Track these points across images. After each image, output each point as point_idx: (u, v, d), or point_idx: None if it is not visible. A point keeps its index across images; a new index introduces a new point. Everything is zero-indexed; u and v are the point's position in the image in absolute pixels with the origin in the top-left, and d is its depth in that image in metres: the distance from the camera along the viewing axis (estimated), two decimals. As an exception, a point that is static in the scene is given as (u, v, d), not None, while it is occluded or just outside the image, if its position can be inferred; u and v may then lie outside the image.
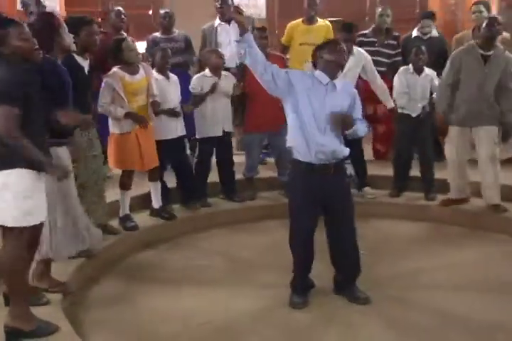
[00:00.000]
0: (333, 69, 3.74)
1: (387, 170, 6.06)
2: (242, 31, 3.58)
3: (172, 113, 5.16)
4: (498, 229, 5.24)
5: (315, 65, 3.83)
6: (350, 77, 5.40)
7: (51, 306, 3.49)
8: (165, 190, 5.32)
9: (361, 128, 3.81)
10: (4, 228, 3.04)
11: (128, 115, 4.64)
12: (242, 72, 5.57)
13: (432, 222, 5.55)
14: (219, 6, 6.38)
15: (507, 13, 6.88)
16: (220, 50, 5.94)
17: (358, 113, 3.83)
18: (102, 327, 3.64)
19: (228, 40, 6.33)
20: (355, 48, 5.65)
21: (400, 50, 6.36)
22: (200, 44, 6.56)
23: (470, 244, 5.07)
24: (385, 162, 6.48)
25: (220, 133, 5.57)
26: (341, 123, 3.67)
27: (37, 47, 3.20)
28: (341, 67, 3.85)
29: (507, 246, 4.99)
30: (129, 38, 4.84)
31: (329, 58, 3.72)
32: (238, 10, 3.67)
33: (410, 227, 5.50)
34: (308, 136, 3.65)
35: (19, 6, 6.86)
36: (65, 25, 3.76)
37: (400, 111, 5.77)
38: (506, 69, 5.08)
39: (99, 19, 6.42)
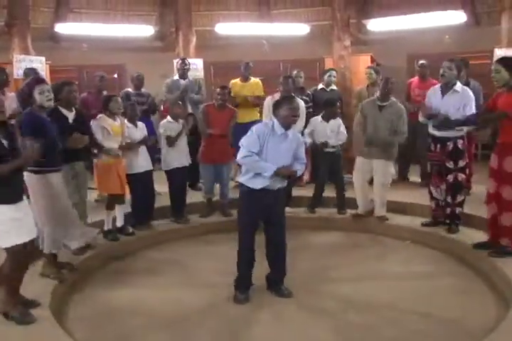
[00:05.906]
0: (289, 122, 3.91)
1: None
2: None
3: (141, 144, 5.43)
4: (392, 235, 5.53)
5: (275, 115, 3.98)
6: (298, 126, 5.29)
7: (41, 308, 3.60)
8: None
9: (299, 171, 4.05)
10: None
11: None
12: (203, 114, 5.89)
13: (341, 231, 5.81)
14: (180, 66, 6.84)
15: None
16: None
17: (301, 153, 4.05)
18: (84, 321, 3.79)
19: None
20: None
21: (311, 104, 6.78)
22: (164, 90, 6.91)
23: (368, 245, 5.42)
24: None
25: (187, 164, 5.79)
26: (287, 174, 3.89)
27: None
28: (294, 120, 3.97)
29: (392, 246, 5.38)
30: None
31: (285, 113, 3.88)
32: None
33: (325, 235, 5.72)
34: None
35: (17, 75, 6.99)
36: (42, 87, 3.90)
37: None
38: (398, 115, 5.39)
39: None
